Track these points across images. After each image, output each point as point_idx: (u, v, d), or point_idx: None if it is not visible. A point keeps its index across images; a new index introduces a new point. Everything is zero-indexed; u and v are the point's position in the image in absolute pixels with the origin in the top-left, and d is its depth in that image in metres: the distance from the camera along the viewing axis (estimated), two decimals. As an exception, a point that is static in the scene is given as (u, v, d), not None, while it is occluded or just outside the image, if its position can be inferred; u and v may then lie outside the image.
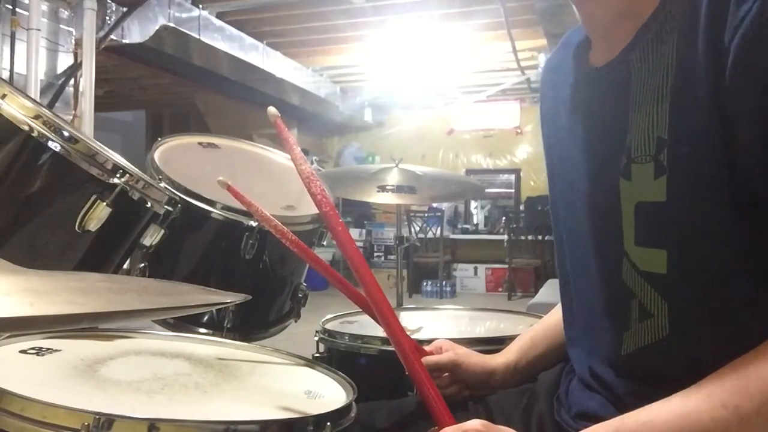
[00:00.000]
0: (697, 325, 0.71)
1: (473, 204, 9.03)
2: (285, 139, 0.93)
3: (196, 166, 1.57)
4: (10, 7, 3.62)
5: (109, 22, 4.20)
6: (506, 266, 7.91)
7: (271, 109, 0.92)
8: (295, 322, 1.60)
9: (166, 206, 1.29)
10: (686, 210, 0.69)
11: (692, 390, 0.66)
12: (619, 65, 0.78)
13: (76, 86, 4.03)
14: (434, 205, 8.03)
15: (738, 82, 0.64)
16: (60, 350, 0.94)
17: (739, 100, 0.64)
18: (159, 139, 1.60)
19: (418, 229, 7.89)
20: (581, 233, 0.85)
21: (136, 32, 4.42)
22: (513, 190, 8.90)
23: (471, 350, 1.09)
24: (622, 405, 0.76)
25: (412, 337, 1.12)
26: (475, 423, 0.73)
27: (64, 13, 4.02)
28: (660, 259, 0.72)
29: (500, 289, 8.17)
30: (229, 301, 0.85)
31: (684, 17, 0.70)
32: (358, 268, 0.86)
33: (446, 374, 1.06)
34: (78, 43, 4.02)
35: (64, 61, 4.01)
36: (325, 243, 1.62)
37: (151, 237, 1.30)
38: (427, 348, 1.08)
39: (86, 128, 3.86)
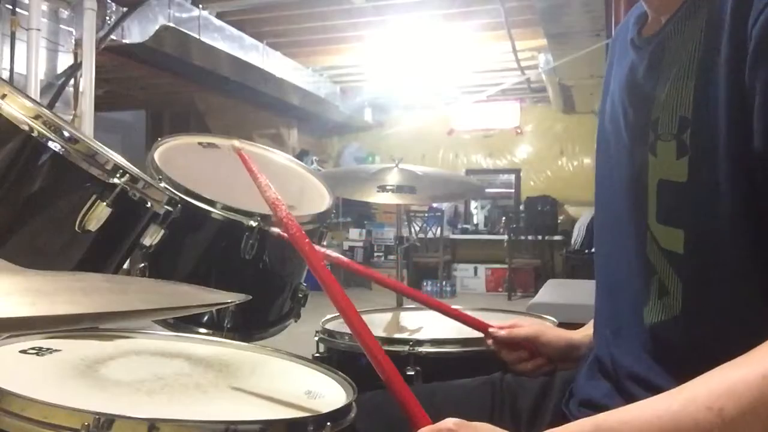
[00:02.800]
0: (707, 307, 0.71)
1: (473, 204, 9.03)
2: (249, 170, 0.96)
3: (196, 166, 1.57)
4: (10, 7, 3.62)
5: (109, 22, 4.20)
6: (506, 266, 7.91)
7: (234, 143, 0.95)
8: (295, 322, 1.60)
9: (166, 206, 1.29)
10: (705, 193, 0.69)
11: (677, 390, 0.66)
12: (657, 40, 0.78)
13: (76, 86, 4.03)
14: (434, 205, 8.03)
15: (756, 69, 0.64)
16: (60, 350, 0.94)
17: (756, 88, 0.64)
18: (159, 139, 1.60)
19: (418, 229, 7.88)
20: (614, 205, 0.85)
21: (136, 32, 4.42)
22: (513, 190, 8.89)
23: (550, 324, 1.08)
24: (626, 394, 0.76)
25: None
26: (448, 422, 0.73)
27: (64, 13, 4.03)
28: (678, 238, 0.72)
29: (500, 289, 8.16)
30: (229, 301, 0.85)
31: None
32: (325, 281, 0.87)
33: (522, 350, 1.05)
34: (78, 43, 4.02)
35: (64, 61, 4.01)
36: (325, 243, 1.62)
37: (151, 237, 1.30)
38: (504, 328, 1.08)
39: (86, 128, 3.86)
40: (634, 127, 0.81)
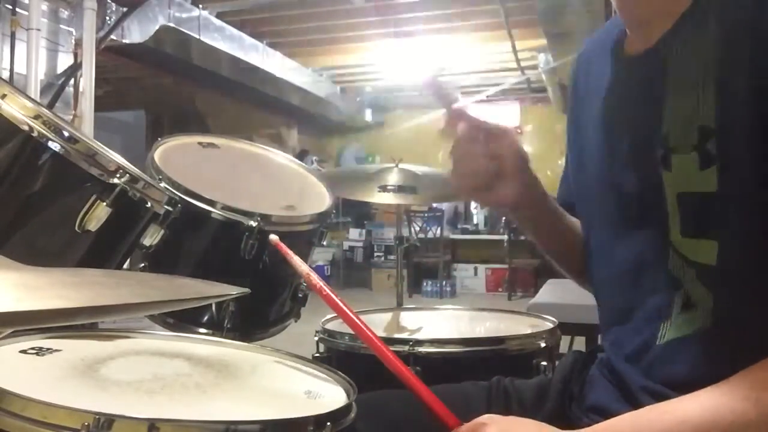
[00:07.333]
0: (741, 317, 0.70)
1: (473, 204, 9.02)
2: (285, 253, 1.04)
3: (196, 166, 1.57)
4: (10, 7, 3.62)
5: (109, 22, 4.20)
6: (506, 266, 7.91)
7: (272, 237, 1.08)
8: (295, 322, 1.60)
9: (166, 206, 1.28)
10: (739, 200, 0.68)
11: (717, 385, 0.67)
12: (655, 54, 0.77)
13: (76, 86, 4.03)
14: (434, 205, 8.03)
15: None
16: (60, 350, 0.94)
17: None
18: (159, 139, 1.60)
19: (418, 229, 7.89)
20: (617, 227, 0.83)
21: (136, 32, 4.42)
22: (513, 190, 8.89)
23: None
24: (637, 402, 0.75)
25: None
26: (483, 418, 0.73)
27: (64, 13, 4.02)
28: (710, 250, 0.70)
29: (500, 289, 8.16)
30: (227, 293, 0.84)
31: (728, 4, 0.70)
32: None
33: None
34: (78, 43, 4.02)
35: (64, 61, 4.01)
36: (324, 243, 1.62)
37: (151, 237, 1.30)
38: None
39: (86, 128, 3.85)
40: (633, 146, 0.79)
